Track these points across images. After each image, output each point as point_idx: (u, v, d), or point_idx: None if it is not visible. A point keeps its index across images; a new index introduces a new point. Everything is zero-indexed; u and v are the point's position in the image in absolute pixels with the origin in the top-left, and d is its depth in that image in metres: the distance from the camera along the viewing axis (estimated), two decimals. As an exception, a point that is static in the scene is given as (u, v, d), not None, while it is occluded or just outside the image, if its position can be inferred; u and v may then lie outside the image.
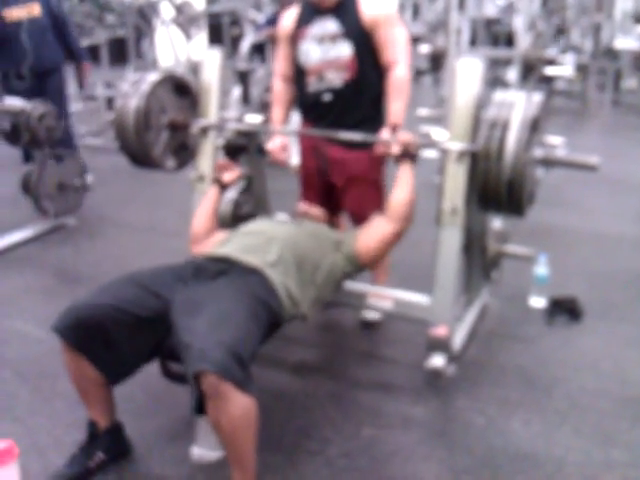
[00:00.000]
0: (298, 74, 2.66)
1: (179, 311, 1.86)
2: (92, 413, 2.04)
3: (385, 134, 2.49)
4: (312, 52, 2.57)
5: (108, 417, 2.05)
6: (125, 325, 1.88)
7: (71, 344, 1.89)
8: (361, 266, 2.38)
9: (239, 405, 1.65)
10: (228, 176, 2.56)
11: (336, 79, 2.55)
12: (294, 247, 2.18)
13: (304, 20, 2.61)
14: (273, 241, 2.17)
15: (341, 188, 2.72)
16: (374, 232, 2.35)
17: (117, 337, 1.89)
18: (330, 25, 2.53)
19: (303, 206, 2.62)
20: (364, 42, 2.52)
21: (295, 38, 2.62)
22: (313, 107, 2.66)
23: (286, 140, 2.75)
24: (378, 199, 2.68)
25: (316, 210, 2.61)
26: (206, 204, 2.52)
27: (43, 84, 4.57)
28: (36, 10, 4.48)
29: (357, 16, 2.51)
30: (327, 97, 2.59)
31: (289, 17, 2.69)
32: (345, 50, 2.52)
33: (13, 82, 4.49)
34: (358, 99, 2.58)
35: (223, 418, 1.66)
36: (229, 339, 1.67)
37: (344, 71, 2.53)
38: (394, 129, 2.48)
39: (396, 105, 2.53)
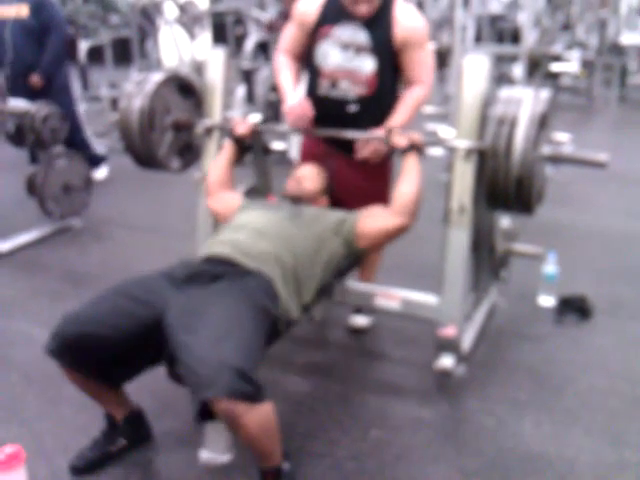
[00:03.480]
0: (311, 72, 2.54)
1: (175, 325, 1.79)
2: (106, 409, 2.07)
3: (379, 132, 2.40)
4: (331, 56, 2.44)
5: (123, 409, 2.07)
6: (117, 340, 1.84)
7: (65, 363, 1.89)
8: (359, 250, 2.31)
9: (254, 420, 1.65)
10: (241, 128, 2.53)
11: (350, 91, 2.44)
12: (291, 245, 2.13)
13: (330, 17, 2.43)
14: (269, 239, 2.12)
15: (344, 199, 2.58)
16: (377, 220, 2.28)
17: (110, 352, 1.86)
18: (360, 36, 2.39)
19: (293, 185, 2.45)
20: (389, 59, 2.42)
21: (316, 34, 2.47)
22: (322, 112, 2.51)
23: (304, 98, 2.51)
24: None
25: (308, 182, 2.45)
26: (221, 157, 2.56)
27: (28, 84, 4.62)
28: (24, 11, 4.54)
29: (390, 31, 2.38)
30: (341, 106, 2.47)
31: (312, 3, 2.48)
32: (368, 65, 2.40)
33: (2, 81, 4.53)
34: (371, 115, 2.47)
35: (242, 434, 1.68)
36: (232, 358, 1.63)
37: (362, 86, 2.43)
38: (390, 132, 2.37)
39: (400, 115, 2.44)
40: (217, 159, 2.58)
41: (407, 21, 2.39)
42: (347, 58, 2.43)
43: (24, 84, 4.60)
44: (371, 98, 2.45)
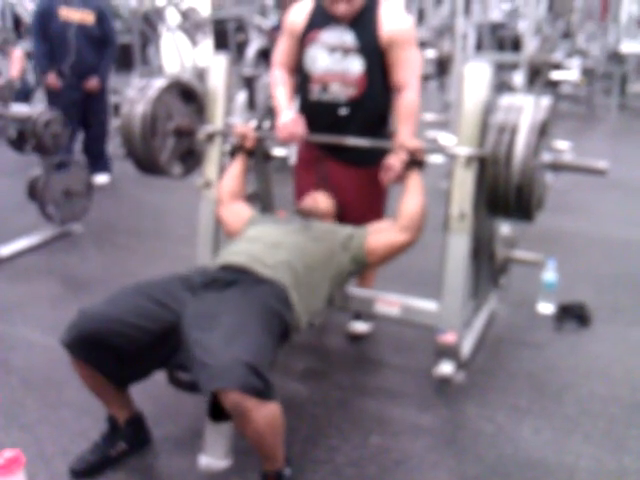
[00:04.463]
0: (302, 78, 2.56)
1: (191, 325, 1.84)
2: (110, 409, 2.07)
3: (393, 158, 2.39)
4: (319, 59, 2.46)
5: (126, 411, 2.08)
6: (133, 338, 1.86)
7: (77, 356, 1.90)
8: (367, 265, 2.36)
9: (263, 416, 1.68)
10: (250, 142, 2.59)
11: (340, 94, 2.46)
12: (302, 255, 2.17)
13: (317, 22, 2.46)
14: (283, 250, 2.16)
15: (341, 204, 2.59)
16: (385, 237, 2.32)
17: (125, 350, 1.87)
18: (347, 37, 2.41)
19: (309, 201, 2.52)
20: (377, 59, 2.42)
21: (304, 40, 2.50)
22: (315, 117, 2.54)
23: (297, 115, 2.52)
24: (378, 219, 2.59)
25: (323, 202, 2.51)
26: (234, 169, 2.60)
27: (84, 86, 5.05)
28: (89, 19, 4.94)
29: (375, 31, 2.39)
30: (333, 110, 2.49)
31: (300, 12, 2.52)
32: (356, 66, 2.42)
33: (58, 80, 4.96)
34: (363, 117, 2.49)
35: (249, 430, 1.70)
36: (245, 354, 1.67)
37: (351, 87, 2.44)
38: (403, 150, 2.36)
39: (405, 128, 2.44)
40: (230, 170, 2.61)
41: (392, 21, 2.41)
42: (335, 60, 2.44)
43: (79, 86, 5.01)
44: (361, 99, 2.46)
